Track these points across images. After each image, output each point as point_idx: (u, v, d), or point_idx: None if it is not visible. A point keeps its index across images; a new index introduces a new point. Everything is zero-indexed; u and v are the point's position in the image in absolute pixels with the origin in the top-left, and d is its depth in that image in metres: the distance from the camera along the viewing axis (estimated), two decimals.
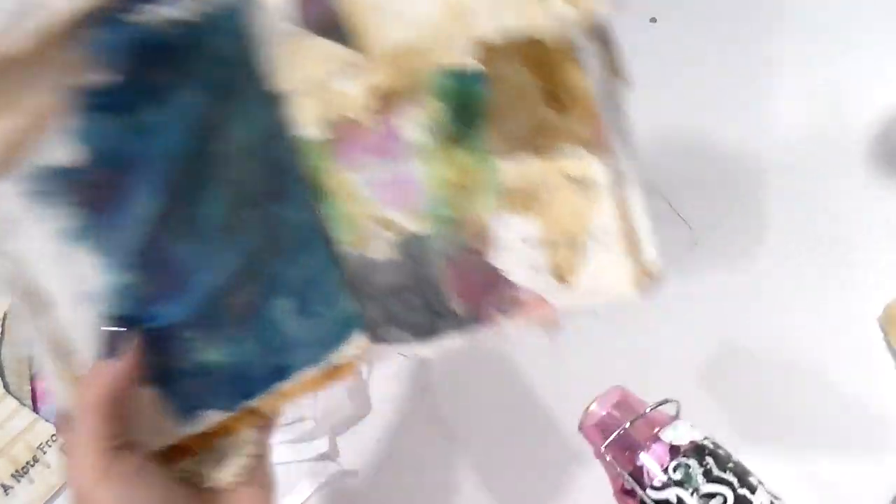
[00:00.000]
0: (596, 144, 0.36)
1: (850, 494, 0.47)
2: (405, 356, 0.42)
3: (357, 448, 0.51)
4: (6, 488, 0.50)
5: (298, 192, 0.38)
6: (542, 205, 0.38)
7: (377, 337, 0.41)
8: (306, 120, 0.38)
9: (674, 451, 0.34)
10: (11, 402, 0.50)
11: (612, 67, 0.37)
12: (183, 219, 0.37)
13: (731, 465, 0.34)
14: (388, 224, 0.39)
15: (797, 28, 0.53)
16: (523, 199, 0.38)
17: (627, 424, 0.36)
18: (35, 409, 0.51)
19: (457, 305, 0.40)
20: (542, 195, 0.38)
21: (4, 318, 0.51)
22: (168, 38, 0.35)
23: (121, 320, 0.38)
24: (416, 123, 0.37)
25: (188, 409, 0.39)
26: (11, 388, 0.50)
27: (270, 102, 0.37)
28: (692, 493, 0.33)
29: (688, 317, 0.51)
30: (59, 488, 0.51)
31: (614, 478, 0.36)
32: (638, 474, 0.34)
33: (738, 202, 0.52)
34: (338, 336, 0.41)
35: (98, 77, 0.35)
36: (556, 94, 0.36)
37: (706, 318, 0.50)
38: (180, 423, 0.39)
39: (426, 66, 0.36)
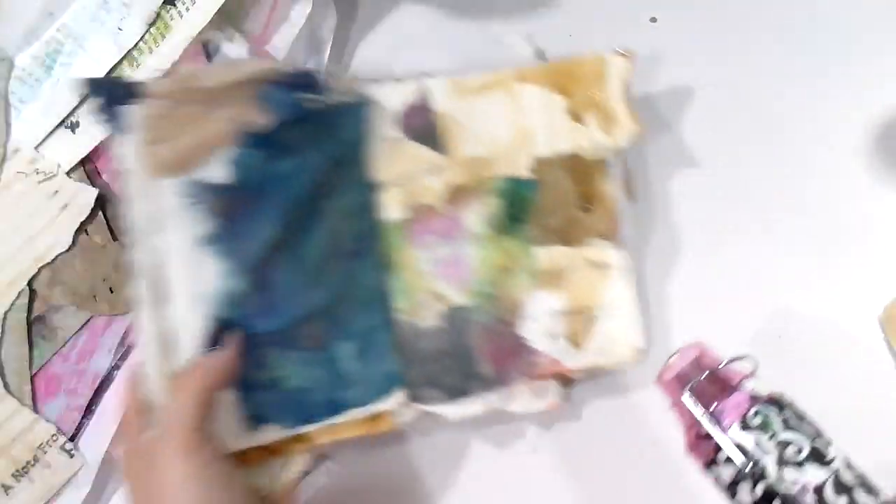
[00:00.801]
0: (612, 236, 0.47)
1: None
2: (433, 414, 0.47)
3: (356, 448, 0.51)
4: (6, 488, 0.50)
5: (373, 258, 0.46)
6: (566, 283, 0.47)
7: (414, 396, 0.46)
8: (391, 204, 0.47)
9: (753, 400, 0.35)
10: (11, 402, 0.50)
11: (628, 188, 0.49)
12: (289, 251, 0.45)
13: (806, 420, 0.35)
14: (439, 297, 0.47)
15: (797, 28, 0.53)
16: (552, 279, 0.47)
17: (709, 372, 0.37)
18: (35, 409, 0.51)
19: (486, 369, 0.46)
20: (567, 276, 0.47)
21: (4, 319, 0.51)
22: (310, 111, 0.46)
23: (225, 323, 0.44)
24: (477, 215, 0.47)
25: (255, 419, 0.44)
26: (11, 388, 0.50)
27: (368, 184, 0.47)
28: (770, 438, 0.34)
29: (685, 318, 0.51)
30: (60, 488, 0.51)
31: (689, 426, 0.37)
32: (717, 419, 0.35)
33: (737, 202, 0.52)
34: (381, 388, 0.46)
35: (257, 123, 0.45)
36: (587, 197, 0.47)
37: (706, 315, 0.51)
38: (246, 432, 0.44)
39: (493, 173, 0.47)
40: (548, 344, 0.46)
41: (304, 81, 0.46)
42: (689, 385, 0.37)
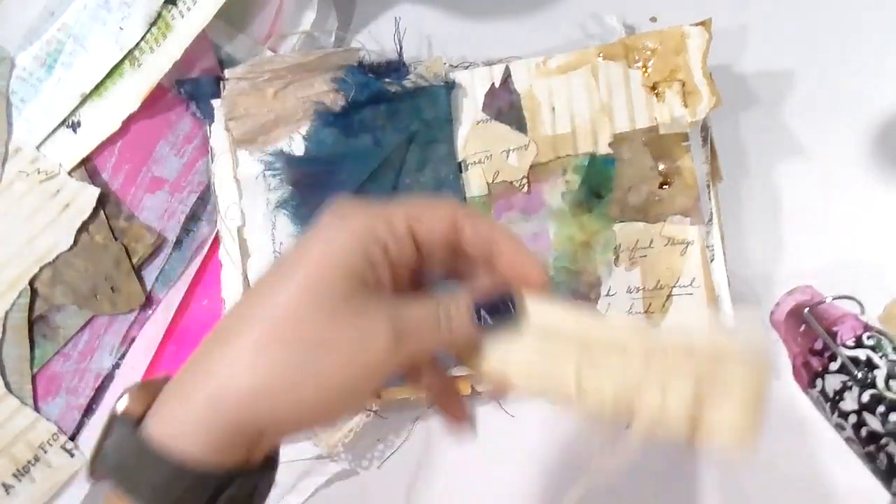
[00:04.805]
0: (693, 213, 0.47)
1: (849, 495, 0.47)
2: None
3: (357, 448, 0.51)
4: (7, 487, 0.50)
5: None
6: (644, 260, 0.47)
7: None
8: (475, 181, 0.49)
9: (867, 327, 0.36)
10: (13, 402, 0.50)
11: (713, 166, 0.48)
12: None
13: None
14: None
15: (796, 28, 0.54)
16: (630, 256, 0.48)
17: (830, 298, 0.38)
18: (36, 408, 0.51)
19: None
20: (646, 252, 0.47)
21: (5, 318, 0.51)
22: (391, 94, 0.49)
23: None
24: (557, 192, 0.48)
25: None
26: (12, 387, 0.51)
27: (452, 162, 0.49)
28: (881, 357, 0.35)
29: None
30: (61, 487, 0.51)
31: (799, 350, 0.38)
32: (832, 336, 0.36)
33: (738, 203, 0.52)
34: None
35: (335, 103, 0.49)
36: (666, 173, 0.47)
37: None
38: None
39: (573, 150, 0.48)
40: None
41: (385, 67, 0.50)
42: (815, 303, 0.38)
